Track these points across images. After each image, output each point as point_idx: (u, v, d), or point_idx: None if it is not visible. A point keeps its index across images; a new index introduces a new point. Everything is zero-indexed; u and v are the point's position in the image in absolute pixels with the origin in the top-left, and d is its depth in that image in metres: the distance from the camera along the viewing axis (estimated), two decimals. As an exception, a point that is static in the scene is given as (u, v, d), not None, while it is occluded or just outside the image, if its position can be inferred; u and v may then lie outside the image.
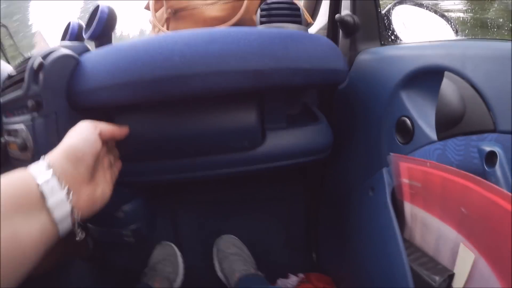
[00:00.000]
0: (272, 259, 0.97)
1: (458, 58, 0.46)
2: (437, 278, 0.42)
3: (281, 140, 0.65)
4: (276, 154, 0.65)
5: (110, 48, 0.57)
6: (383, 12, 0.77)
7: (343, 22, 0.72)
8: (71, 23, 0.83)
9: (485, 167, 0.38)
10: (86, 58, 0.58)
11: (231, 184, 0.96)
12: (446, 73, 0.47)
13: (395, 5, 0.80)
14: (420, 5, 0.83)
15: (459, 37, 0.76)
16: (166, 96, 0.52)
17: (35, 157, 0.57)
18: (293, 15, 0.65)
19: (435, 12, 0.82)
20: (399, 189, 0.50)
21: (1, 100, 0.69)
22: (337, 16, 0.72)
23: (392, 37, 0.74)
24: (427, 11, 0.83)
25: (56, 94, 0.56)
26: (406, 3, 0.83)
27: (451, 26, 0.79)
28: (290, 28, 0.63)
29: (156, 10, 0.82)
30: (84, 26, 0.80)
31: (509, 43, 0.42)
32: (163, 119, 0.60)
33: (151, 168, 0.64)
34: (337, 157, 0.76)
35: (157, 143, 0.62)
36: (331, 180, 0.84)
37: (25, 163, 0.59)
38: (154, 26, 0.83)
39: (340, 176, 0.80)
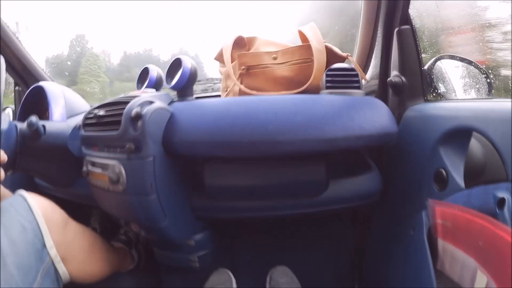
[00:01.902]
0: None
1: (482, 120, 0.66)
2: (459, 299, 0.61)
3: (341, 187, 0.90)
4: (336, 198, 0.89)
5: (204, 106, 0.84)
6: (425, 67, 0.99)
7: (392, 84, 0.94)
8: (149, 70, 1.10)
9: (497, 209, 0.57)
10: (179, 111, 0.84)
11: (287, 220, 1.21)
12: (473, 133, 0.67)
13: (436, 60, 1.01)
14: (460, 59, 1.03)
15: (486, 96, 0.95)
16: (257, 155, 0.80)
17: (127, 191, 0.83)
18: (353, 81, 0.91)
19: (472, 64, 1.01)
20: (434, 228, 0.71)
21: (84, 134, 0.94)
22: (388, 80, 0.97)
23: (434, 93, 0.95)
24: (466, 64, 1.02)
25: (154, 141, 0.80)
26: (445, 57, 1.03)
27: (486, 77, 0.98)
28: (351, 94, 0.89)
29: (225, 62, 1.05)
30: (161, 73, 1.09)
31: None
32: (247, 169, 0.86)
33: (232, 206, 0.90)
34: (384, 200, 0.98)
35: (240, 187, 0.88)
36: (378, 220, 1.06)
37: (109, 192, 0.87)
38: (226, 77, 1.08)
39: (386, 217, 1.02)
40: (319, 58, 0.93)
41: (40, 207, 0.82)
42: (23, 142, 0.95)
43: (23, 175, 1.23)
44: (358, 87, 0.91)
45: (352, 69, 0.91)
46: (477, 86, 0.97)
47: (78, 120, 1.06)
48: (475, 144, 0.67)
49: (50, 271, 0.79)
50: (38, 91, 1.19)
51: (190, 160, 0.89)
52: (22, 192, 0.85)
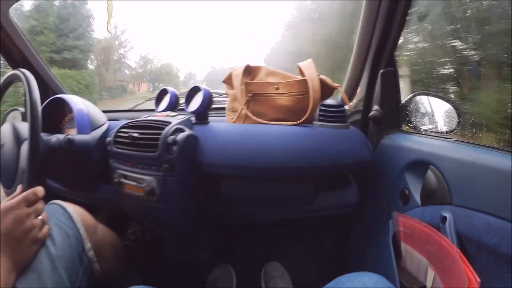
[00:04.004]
0: (305, 280, 1.49)
1: (437, 157, 0.96)
2: (415, 288, 0.91)
3: (326, 198, 1.21)
4: (322, 207, 1.20)
5: (225, 134, 1.13)
6: (403, 101, 1.26)
7: (373, 118, 1.24)
8: (169, 92, 1.34)
9: (440, 224, 0.87)
10: (203, 135, 1.11)
11: (278, 226, 1.53)
12: (430, 166, 0.96)
13: (413, 95, 1.26)
14: (434, 95, 1.26)
15: (453, 129, 1.18)
16: (265, 177, 1.10)
17: (160, 201, 1.08)
18: (340, 116, 1.19)
19: (445, 100, 1.23)
20: (398, 234, 1.01)
21: (116, 150, 1.13)
22: (370, 115, 1.27)
23: (408, 124, 1.25)
24: (440, 100, 1.24)
25: (185, 162, 1.06)
26: (421, 94, 1.27)
27: (456, 111, 1.19)
28: (338, 127, 1.18)
29: (234, 87, 1.30)
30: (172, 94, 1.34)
31: (470, 148, 0.90)
32: (255, 184, 1.16)
33: (242, 212, 1.21)
34: (361, 209, 1.30)
35: (248, 198, 1.18)
36: (355, 225, 1.41)
37: (142, 201, 1.11)
38: (234, 99, 1.33)
39: (361, 223, 1.35)
40: (314, 96, 1.18)
41: (77, 214, 0.99)
42: (52, 153, 1.11)
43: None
44: (344, 121, 1.20)
45: (341, 106, 1.20)
46: (447, 119, 1.20)
47: (100, 132, 1.26)
48: (430, 174, 0.96)
49: (87, 271, 0.95)
50: (55, 101, 1.31)
51: (214, 178, 1.16)
52: (58, 201, 1.01)
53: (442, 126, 1.20)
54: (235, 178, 1.15)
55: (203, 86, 1.22)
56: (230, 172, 1.08)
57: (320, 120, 1.21)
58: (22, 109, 1.70)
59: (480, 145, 0.90)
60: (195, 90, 1.25)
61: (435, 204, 0.93)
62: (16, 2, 1.40)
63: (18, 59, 1.56)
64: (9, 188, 1.05)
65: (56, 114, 1.37)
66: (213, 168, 1.09)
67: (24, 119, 1.66)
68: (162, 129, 1.07)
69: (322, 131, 1.16)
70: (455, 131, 1.17)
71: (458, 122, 1.17)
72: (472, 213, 0.80)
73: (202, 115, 1.22)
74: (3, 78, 1.09)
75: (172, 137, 1.04)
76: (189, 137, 1.06)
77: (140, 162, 1.10)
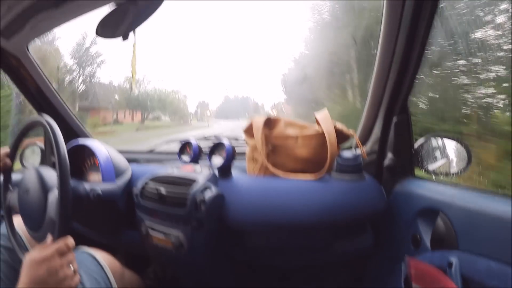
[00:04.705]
0: None
1: (446, 205, 1.07)
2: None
3: (342, 246, 1.31)
4: (338, 254, 1.31)
5: (249, 192, 1.24)
6: (416, 146, 1.35)
7: (387, 167, 1.36)
8: (193, 144, 1.45)
9: (447, 268, 0.97)
10: (228, 192, 1.22)
11: (295, 268, 1.62)
12: (440, 213, 1.08)
13: (425, 139, 1.34)
14: (445, 137, 1.31)
15: (455, 182, 1.24)
16: (288, 230, 1.22)
17: (187, 253, 1.19)
18: (356, 169, 1.29)
19: (456, 140, 1.28)
20: (410, 276, 1.11)
21: (144, 204, 1.24)
22: (385, 166, 1.38)
23: (422, 168, 1.33)
24: (451, 141, 1.29)
25: (213, 220, 1.18)
26: (433, 136, 1.33)
27: (466, 151, 1.24)
28: (354, 178, 1.28)
29: (255, 138, 1.37)
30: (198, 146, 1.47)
31: (475, 195, 1.00)
32: (276, 235, 1.28)
33: (266, 258, 1.33)
34: (375, 252, 1.39)
35: (271, 247, 1.30)
36: (370, 267, 1.49)
37: (171, 253, 1.22)
38: (254, 149, 1.41)
39: (376, 265, 1.44)
40: (331, 150, 1.26)
41: (106, 261, 1.08)
42: (79, 201, 1.20)
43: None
44: (360, 171, 1.31)
45: (357, 158, 1.30)
46: (458, 160, 1.25)
47: (125, 180, 1.38)
48: (440, 221, 1.07)
49: None
50: (78, 145, 1.42)
51: (239, 232, 1.27)
52: (86, 248, 1.10)
53: (453, 168, 1.27)
54: (257, 232, 1.26)
55: (226, 141, 1.32)
56: (255, 228, 1.20)
57: (337, 170, 1.30)
58: (40, 144, 1.82)
59: (485, 191, 1.01)
60: (218, 145, 1.36)
61: (444, 248, 1.03)
62: (35, 38, 1.49)
63: (37, 96, 1.68)
64: (35, 231, 1.06)
65: (77, 156, 1.48)
66: (239, 224, 1.21)
67: (44, 159, 1.81)
68: (189, 185, 1.17)
69: (340, 186, 1.25)
70: (465, 171, 1.23)
71: (468, 163, 1.23)
72: (476, 258, 0.91)
73: (225, 170, 1.32)
74: (24, 124, 1.14)
75: (200, 195, 1.14)
76: (217, 197, 1.16)
77: (168, 217, 1.20)
